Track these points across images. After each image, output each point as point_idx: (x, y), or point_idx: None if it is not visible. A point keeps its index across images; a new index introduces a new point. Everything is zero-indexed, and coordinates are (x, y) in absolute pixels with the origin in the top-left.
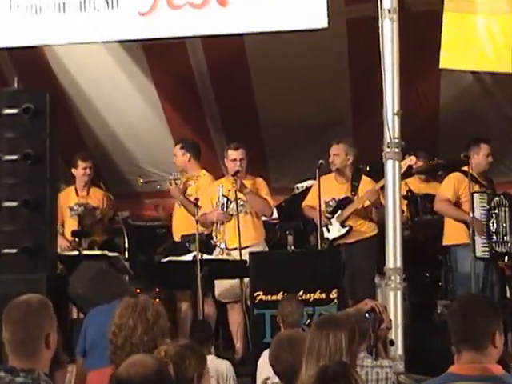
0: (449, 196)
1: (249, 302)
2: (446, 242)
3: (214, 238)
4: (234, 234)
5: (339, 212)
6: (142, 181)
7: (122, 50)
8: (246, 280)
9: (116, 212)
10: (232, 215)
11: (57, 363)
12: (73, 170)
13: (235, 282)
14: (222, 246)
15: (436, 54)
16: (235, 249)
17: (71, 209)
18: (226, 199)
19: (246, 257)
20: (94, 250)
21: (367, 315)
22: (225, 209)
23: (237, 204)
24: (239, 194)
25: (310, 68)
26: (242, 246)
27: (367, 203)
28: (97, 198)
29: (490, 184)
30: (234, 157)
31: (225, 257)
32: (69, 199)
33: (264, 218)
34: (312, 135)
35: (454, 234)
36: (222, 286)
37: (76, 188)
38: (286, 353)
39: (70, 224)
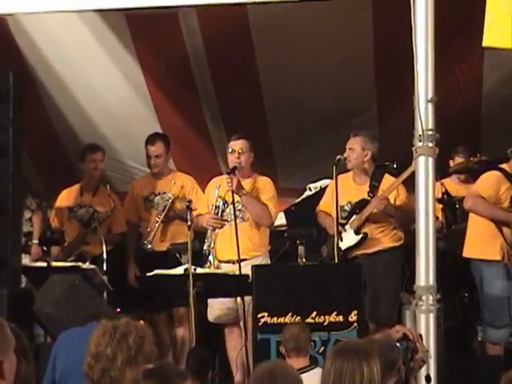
0: (485, 194)
1: (250, 325)
2: (470, 254)
3: (206, 247)
4: (227, 243)
5: (354, 217)
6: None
7: (101, 21)
8: (248, 299)
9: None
10: (226, 221)
11: None
12: (80, 165)
13: (234, 300)
14: (211, 257)
15: (479, 31)
16: (228, 262)
17: (71, 210)
18: (222, 202)
19: (244, 271)
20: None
21: (398, 344)
22: (219, 213)
23: (234, 208)
24: (237, 197)
25: (327, 44)
26: (237, 258)
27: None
28: (104, 200)
29: None
30: (231, 148)
31: (221, 270)
32: (70, 198)
33: None
34: (328, 125)
35: (482, 246)
36: (217, 305)
37: (82, 186)
38: None
39: (68, 228)
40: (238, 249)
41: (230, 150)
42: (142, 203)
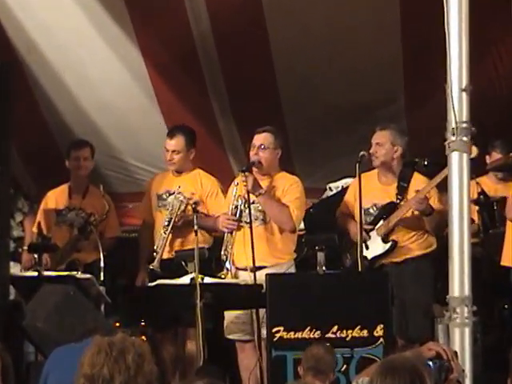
0: None
1: (263, 341)
2: (509, 262)
3: (223, 252)
4: (243, 248)
5: (381, 223)
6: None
7: (97, 5)
8: (262, 311)
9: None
10: (245, 222)
11: None
12: (66, 163)
13: (246, 312)
14: (228, 264)
15: None
16: (244, 269)
17: (59, 213)
18: (240, 202)
19: (261, 280)
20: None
21: (431, 363)
22: (237, 213)
23: (249, 209)
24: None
25: (349, 28)
26: (256, 265)
27: (416, 212)
28: (95, 202)
29: None
30: (253, 142)
31: (232, 280)
32: (58, 200)
33: None
34: (350, 118)
35: None
36: (228, 318)
37: (70, 187)
38: None
39: (57, 234)
40: (252, 254)
41: (252, 144)
42: (155, 201)
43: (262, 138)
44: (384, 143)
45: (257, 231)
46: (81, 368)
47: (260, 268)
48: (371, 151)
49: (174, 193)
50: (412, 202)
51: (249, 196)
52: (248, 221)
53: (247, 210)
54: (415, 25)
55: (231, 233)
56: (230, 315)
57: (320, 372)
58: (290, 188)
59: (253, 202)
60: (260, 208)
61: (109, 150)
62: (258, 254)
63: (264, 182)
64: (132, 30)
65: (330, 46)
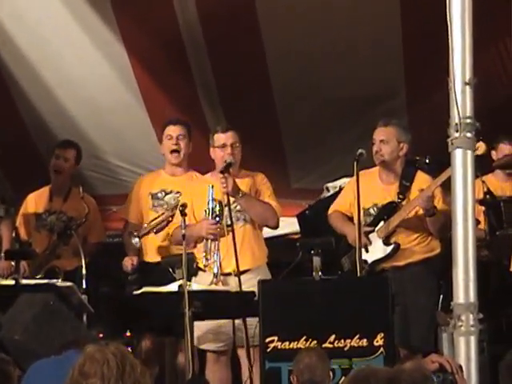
0: None
1: (253, 352)
2: None
3: (204, 260)
4: (230, 253)
5: (381, 224)
6: (136, 240)
7: None
8: (254, 320)
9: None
10: (227, 227)
11: None
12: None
13: (224, 321)
14: (216, 269)
15: None
16: (228, 274)
17: (39, 217)
18: (217, 205)
19: (247, 285)
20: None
21: (434, 378)
22: (218, 218)
23: (230, 211)
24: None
25: (346, 18)
26: (240, 269)
27: (420, 211)
28: (78, 205)
29: None
30: (222, 141)
31: (222, 287)
32: (38, 203)
33: (278, 233)
34: (348, 114)
35: None
36: (201, 327)
37: (51, 189)
38: None
39: (36, 239)
40: (236, 257)
41: (218, 144)
42: (148, 201)
43: (231, 137)
44: (389, 140)
45: (241, 232)
46: (70, 379)
47: (244, 272)
48: (375, 149)
49: (170, 192)
50: (419, 200)
51: (228, 198)
52: (229, 223)
53: (226, 213)
54: (416, 15)
55: (214, 239)
56: (202, 324)
57: (316, 383)
58: (262, 184)
59: (226, 204)
60: (239, 208)
61: (91, 149)
62: (244, 257)
63: (240, 183)
64: (114, 19)
65: (326, 38)
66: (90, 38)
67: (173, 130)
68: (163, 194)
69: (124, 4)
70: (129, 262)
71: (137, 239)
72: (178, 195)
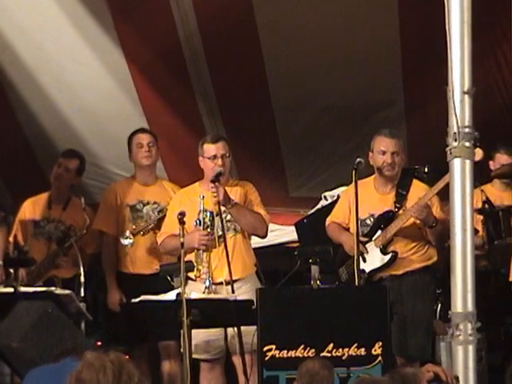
0: None
1: (249, 360)
2: None
3: (195, 271)
4: (222, 263)
5: (378, 233)
6: (130, 241)
7: (76, 2)
8: (251, 329)
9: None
10: (219, 237)
11: None
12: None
13: (216, 329)
14: (208, 282)
15: None
16: (221, 283)
17: (37, 224)
18: (209, 214)
19: (237, 294)
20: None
21: None
22: (209, 228)
23: (221, 221)
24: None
25: (345, 26)
26: (232, 278)
27: (417, 221)
28: (76, 215)
29: None
30: (212, 153)
31: (221, 295)
32: (37, 210)
33: (277, 241)
34: (346, 123)
35: None
36: (197, 336)
37: (50, 196)
38: None
39: (34, 246)
40: (229, 266)
41: (208, 155)
42: (127, 213)
43: (222, 147)
44: (400, 152)
45: (231, 242)
46: None
47: (236, 281)
48: (388, 160)
49: (147, 203)
50: (412, 210)
51: (220, 208)
52: (220, 234)
53: (217, 223)
54: (414, 24)
55: (206, 250)
56: (194, 333)
57: None
58: (251, 193)
59: (217, 214)
60: (229, 218)
61: (89, 157)
62: (235, 266)
63: (230, 192)
64: (113, 29)
65: (324, 47)
66: (90, 48)
67: (143, 138)
68: (141, 205)
69: (124, 13)
70: (116, 301)
71: (129, 240)
72: (155, 206)
